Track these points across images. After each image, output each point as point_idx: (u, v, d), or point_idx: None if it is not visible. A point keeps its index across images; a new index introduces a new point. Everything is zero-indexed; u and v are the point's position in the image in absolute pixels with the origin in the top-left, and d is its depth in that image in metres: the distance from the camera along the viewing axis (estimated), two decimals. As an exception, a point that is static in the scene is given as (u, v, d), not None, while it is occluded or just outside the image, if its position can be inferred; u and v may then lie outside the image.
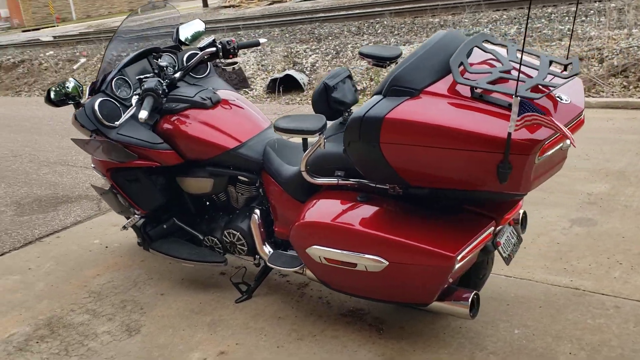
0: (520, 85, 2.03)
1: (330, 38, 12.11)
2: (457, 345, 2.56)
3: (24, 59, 16.96)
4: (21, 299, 3.35)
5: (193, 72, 3.30)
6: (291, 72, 9.95)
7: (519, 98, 1.87)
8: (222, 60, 3.23)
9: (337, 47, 10.70)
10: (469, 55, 2.21)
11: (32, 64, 16.34)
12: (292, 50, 11.11)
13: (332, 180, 2.48)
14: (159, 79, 2.91)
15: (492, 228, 2.30)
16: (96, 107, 2.92)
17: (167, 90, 2.93)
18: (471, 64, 2.18)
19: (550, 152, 2.05)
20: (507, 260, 2.45)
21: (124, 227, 3.28)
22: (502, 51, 2.27)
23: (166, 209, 3.23)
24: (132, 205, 3.18)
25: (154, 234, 3.21)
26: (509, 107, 2.02)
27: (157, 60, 3.19)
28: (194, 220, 3.24)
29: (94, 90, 3.06)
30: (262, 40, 3.36)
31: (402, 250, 2.24)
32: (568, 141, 2.16)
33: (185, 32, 3.28)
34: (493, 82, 2.09)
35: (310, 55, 10.68)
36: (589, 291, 2.86)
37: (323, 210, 2.45)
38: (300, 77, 9.77)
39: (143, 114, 2.66)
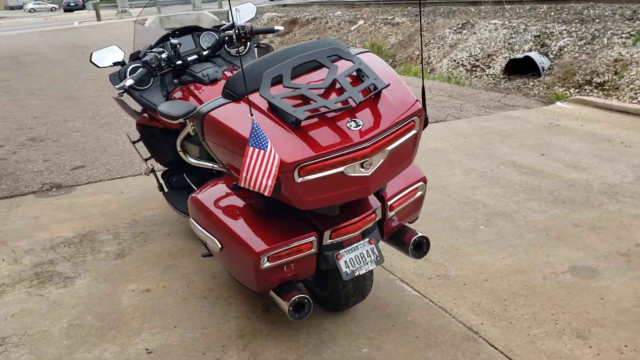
0: (303, 106, 2.09)
1: (597, 21, 10.99)
2: (303, 342, 2.67)
3: (316, 17, 18.88)
4: (92, 212, 4.32)
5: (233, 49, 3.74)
6: (532, 54, 9.51)
7: (252, 117, 1.95)
8: (236, 43, 3.59)
9: (596, 32, 9.71)
10: (306, 68, 2.27)
11: (320, 22, 18.20)
12: (547, 30, 10.42)
13: (208, 164, 2.76)
14: (157, 54, 3.42)
15: (313, 239, 2.35)
16: (128, 71, 3.58)
17: (162, 65, 3.42)
18: (308, 81, 2.25)
19: (320, 175, 2.06)
20: (346, 275, 2.44)
21: (145, 173, 3.95)
22: (344, 67, 2.25)
23: (181, 165, 3.79)
24: (152, 156, 3.83)
25: (169, 183, 3.82)
26: (293, 125, 2.10)
27: (199, 37, 3.72)
28: (199, 179, 3.75)
29: (137, 59, 3.72)
30: (277, 27, 3.62)
31: (229, 237, 2.45)
32: (368, 172, 2.13)
33: (235, 14, 3.73)
34: (302, 98, 2.15)
35: (562, 38, 9.93)
36: (484, 339, 2.62)
37: (206, 189, 2.74)
38: (541, 61, 9.29)
39: (128, 82, 3.23)
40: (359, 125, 2.08)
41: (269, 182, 1.96)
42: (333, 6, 21.96)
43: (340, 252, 2.44)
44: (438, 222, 3.78)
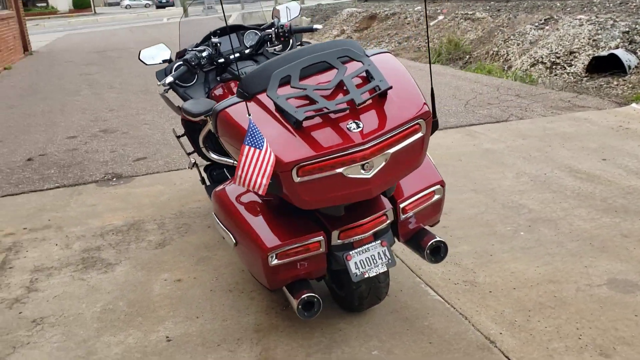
0: (306, 107, 2.11)
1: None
2: (316, 340, 2.69)
3: (396, 12, 18.67)
4: (144, 203, 4.51)
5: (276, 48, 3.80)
6: (618, 51, 9.03)
7: (250, 117, 1.99)
8: (275, 42, 3.64)
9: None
10: (316, 69, 2.28)
11: (399, 17, 18.00)
12: (638, 26, 9.83)
13: (228, 160, 2.81)
14: (197, 52, 3.51)
15: (321, 238, 2.36)
16: (173, 69, 3.71)
17: (202, 63, 3.51)
18: (318, 82, 2.26)
19: (318, 175, 2.07)
20: (356, 277, 2.43)
21: (189, 167, 4.07)
22: (353, 69, 2.25)
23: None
24: (195, 151, 3.95)
25: (211, 177, 3.93)
26: (294, 125, 2.13)
27: (242, 36, 3.80)
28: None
29: (182, 56, 3.85)
30: (316, 26, 3.63)
31: (241, 233, 2.50)
32: (369, 174, 2.12)
33: (283, 13, 3.80)
34: (307, 99, 2.17)
35: (655, 34, 9.37)
36: (499, 349, 2.54)
37: (227, 185, 2.80)
38: (627, 59, 8.82)
39: (168, 79, 3.35)
40: (360, 127, 2.07)
41: (264, 181, 1.98)
42: (414, 1, 21.67)
43: (350, 253, 2.44)
44: (477, 226, 3.68)
